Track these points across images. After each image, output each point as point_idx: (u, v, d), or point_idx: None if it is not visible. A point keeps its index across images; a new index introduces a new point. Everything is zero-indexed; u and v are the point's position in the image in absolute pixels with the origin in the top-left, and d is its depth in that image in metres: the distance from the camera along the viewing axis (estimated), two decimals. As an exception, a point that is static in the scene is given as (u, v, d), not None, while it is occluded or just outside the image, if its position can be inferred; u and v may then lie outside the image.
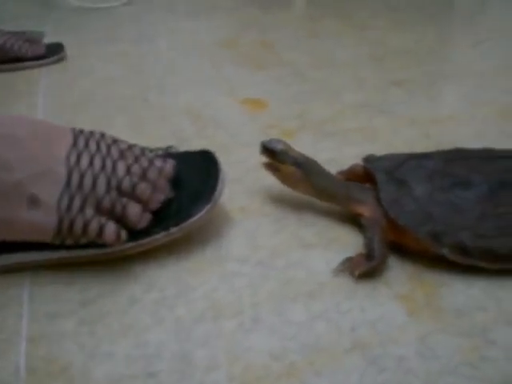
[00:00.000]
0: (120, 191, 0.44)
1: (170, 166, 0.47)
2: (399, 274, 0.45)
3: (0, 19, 1.15)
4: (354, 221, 0.51)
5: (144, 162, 0.46)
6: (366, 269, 0.44)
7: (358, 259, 0.45)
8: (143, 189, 0.44)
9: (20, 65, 0.92)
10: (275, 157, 0.50)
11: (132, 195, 0.44)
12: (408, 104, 0.75)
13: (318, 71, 0.87)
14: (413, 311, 0.42)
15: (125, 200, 0.44)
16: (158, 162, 0.47)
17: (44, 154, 0.43)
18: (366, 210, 0.48)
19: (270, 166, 0.51)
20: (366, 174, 0.52)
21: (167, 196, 0.46)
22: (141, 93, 0.82)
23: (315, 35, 1.05)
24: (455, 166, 0.48)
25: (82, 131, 0.47)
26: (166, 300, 0.43)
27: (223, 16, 1.17)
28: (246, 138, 0.67)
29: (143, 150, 0.48)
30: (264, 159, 0.60)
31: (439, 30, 1.06)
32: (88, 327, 0.41)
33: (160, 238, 0.45)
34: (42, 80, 0.89)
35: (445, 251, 0.44)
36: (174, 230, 0.45)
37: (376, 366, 0.38)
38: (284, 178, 0.51)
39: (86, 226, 0.42)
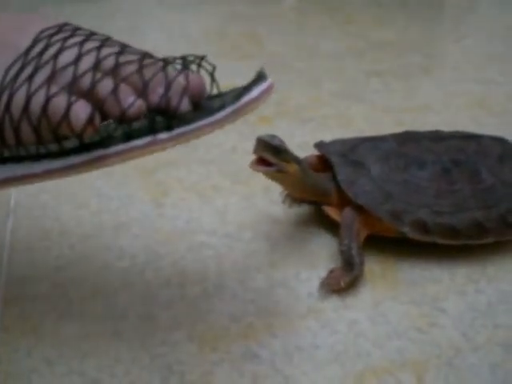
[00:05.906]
0: (105, 71, 0.33)
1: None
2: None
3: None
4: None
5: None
6: (349, 279, 0.43)
7: (338, 272, 0.44)
8: (135, 69, 0.33)
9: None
10: (278, 155, 0.42)
11: (121, 77, 0.33)
12: (384, 94, 0.78)
13: (300, 62, 0.90)
14: (368, 281, 0.44)
15: (110, 81, 0.32)
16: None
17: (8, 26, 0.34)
18: (336, 211, 0.47)
19: (268, 165, 0.43)
20: (320, 163, 0.51)
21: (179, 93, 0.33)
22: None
23: (302, 29, 1.07)
24: (408, 147, 0.49)
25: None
26: (136, 267, 0.45)
27: (212, 9, 1.20)
28: (224, 123, 0.69)
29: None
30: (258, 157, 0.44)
31: (423, 25, 1.09)
32: (61, 290, 0.43)
33: (143, 144, 0.33)
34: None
35: (406, 229, 0.45)
36: (163, 135, 0.33)
37: (328, 329, 0.40)
38: (285, 178, 0.45)
39: (46, 102, 0.31)
